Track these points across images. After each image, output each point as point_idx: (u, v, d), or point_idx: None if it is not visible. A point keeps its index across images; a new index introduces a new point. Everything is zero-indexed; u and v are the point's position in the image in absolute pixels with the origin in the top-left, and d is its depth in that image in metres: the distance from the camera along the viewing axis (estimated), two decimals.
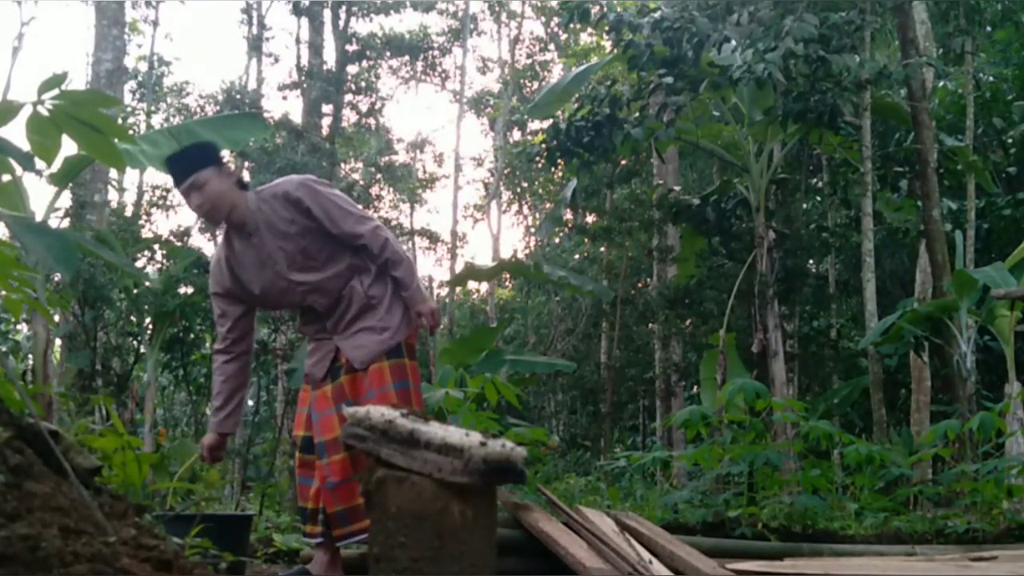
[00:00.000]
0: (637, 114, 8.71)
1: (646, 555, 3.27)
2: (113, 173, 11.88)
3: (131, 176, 15.64)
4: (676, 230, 11.70)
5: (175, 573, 1.62)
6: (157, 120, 17.87)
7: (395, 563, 1.89)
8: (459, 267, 15.91)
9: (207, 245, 14.52)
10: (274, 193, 3.24)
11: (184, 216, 20.91)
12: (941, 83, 11.73)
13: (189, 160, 3.18)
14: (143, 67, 18.14)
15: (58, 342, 8.46)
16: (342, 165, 14.87)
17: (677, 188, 12.02)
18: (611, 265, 14.03)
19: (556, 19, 18.25)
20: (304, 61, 13.01)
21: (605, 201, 13.61)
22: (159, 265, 10.03)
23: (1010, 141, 11.80)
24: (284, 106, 40.15)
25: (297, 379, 8.14)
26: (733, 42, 8.22)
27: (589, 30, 16.37)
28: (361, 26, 13.02)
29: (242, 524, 3.44)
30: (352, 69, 13.45)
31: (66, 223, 8.62)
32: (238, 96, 12.14)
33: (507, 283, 19.47)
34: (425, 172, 21.07)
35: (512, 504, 3.75)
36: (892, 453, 5.89)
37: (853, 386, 9.96)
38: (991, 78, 12.07)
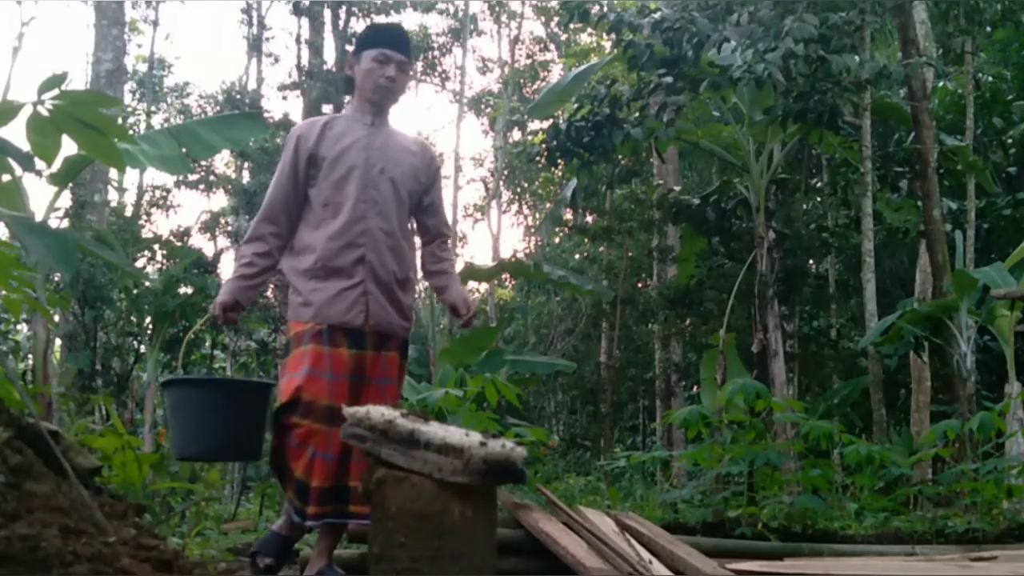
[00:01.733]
0: (637, 114, 8.71)
1: (646, 555, 3.27)
2: (113, 173, 11.88)
3: (131, 176, 15.66)
4: (676, 230, 11.70)
5: (175, 573, 1.62)
6: (157, 120, 17.88)
7: (395, 563, 1.89)
8: (459, 267, 15.90)
9: (207, 245, 14.54)
10: (410, 137, 3.37)
11: (184, 216, 20.97)
12: (941, 83, 11.73)
13: (409, 45, 3.29)
14: (143, 67, 18.15)
15: (58, 342, 8.46)
16: None
17: (677, 188, 12.01)
18: (611, 265, 14.03)
19: (556, 19, 18.25)
20: (304, 61, 13.01)
21: (605, 201, 13.61)
22: (159, 265, 10.04)
23: (1010, 141, 11.80)
24: (284, 106, 40.16)
25: None
26: (733, 42, 8.22)
27: (589, 30, 16.37)
28: (361, 26, 13.01)
29: (261, 392, 3.25)
30: None
31: (66, 223, 8.62)
32: (238, 96, 12.14)
33: (507, 283, 19.47)
34: None
35: (512, 504, 3.75)
36: (892, 453, 5.88)
37: (853, 386, 9.96)
38: (991, 78, 12.07)
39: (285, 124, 11.84)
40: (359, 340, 3.08)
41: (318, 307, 3.08)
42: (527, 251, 19.76)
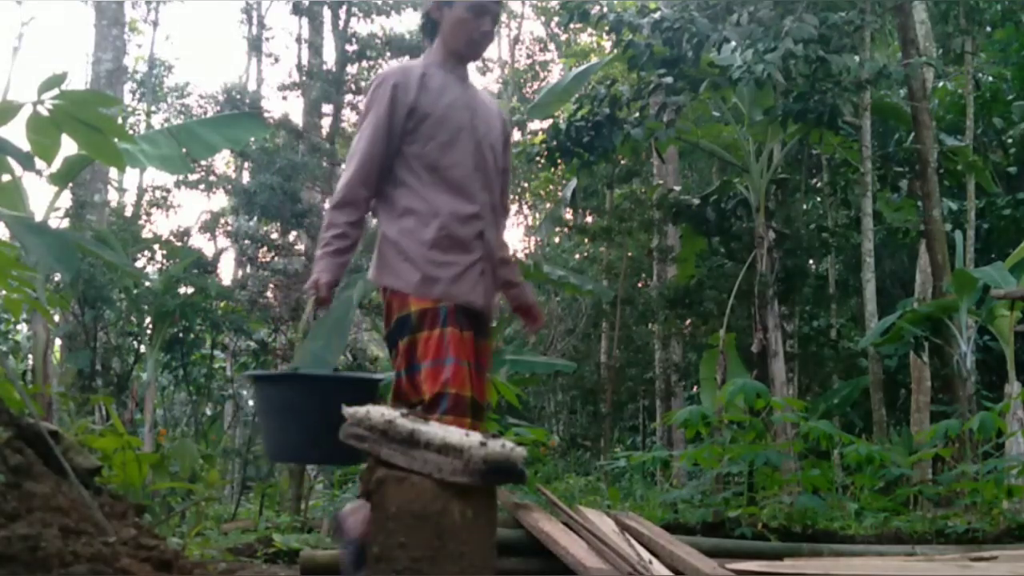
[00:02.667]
0: (637, 114, 8.71)
1: (646, 555, 3.26)
2: (113, 173, 11.90)
3: (131, 176, 15.66)
4: (676, 230, 11.70)
5: (175, 573, 1.62)
6: (157, 120, 17.88)
7: (395, 563, 1.89)
8: None
9: (207, 245, 14.54)
10: (487, 95, 3.07)
11: (184, 216, 20.97)
12: (941, 83, 11.72)
13: None
14: (143, 67, 18.15)
15: (58, 342, 8.46)
16: (342, 165, 14.88)
17: (677, 188, 12.01)
18: (611, 265, 14.02)
19: (556, 19, 18.25)
20: (304, 61, 13.00)
21: (605, 201, 13.61)
22: (159, 265, 10.04)
23: (1010, 141, 11.80)
24: (284, 106, 40.25)
25: None
26: (733, 42, 8.22)
27: (589, 30, 16.38)
28: (361, 26, 13.00)
29: (369, 388, 2.98)
30: (352, 69, 13.43)
31: (66, 223, 8.62)
32: (238, 96, 12.12)
33: None
34: None
35: (512, 504, 3.75)
36: (892, 453, 5.89)
37: (853, 386, 9.96)
38: (991, 78, 12.06)
39: (285, 124, 11.83)
40: (477, 323, 2.80)
41: (447, 284, 2.73)
42: (527, 251, 19.77)
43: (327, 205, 2.95)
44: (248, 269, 11.79)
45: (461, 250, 2.76)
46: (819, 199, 11.83)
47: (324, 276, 2.73)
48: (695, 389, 11.79)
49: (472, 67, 3.17)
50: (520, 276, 3.10)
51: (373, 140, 2.79)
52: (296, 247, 11.72)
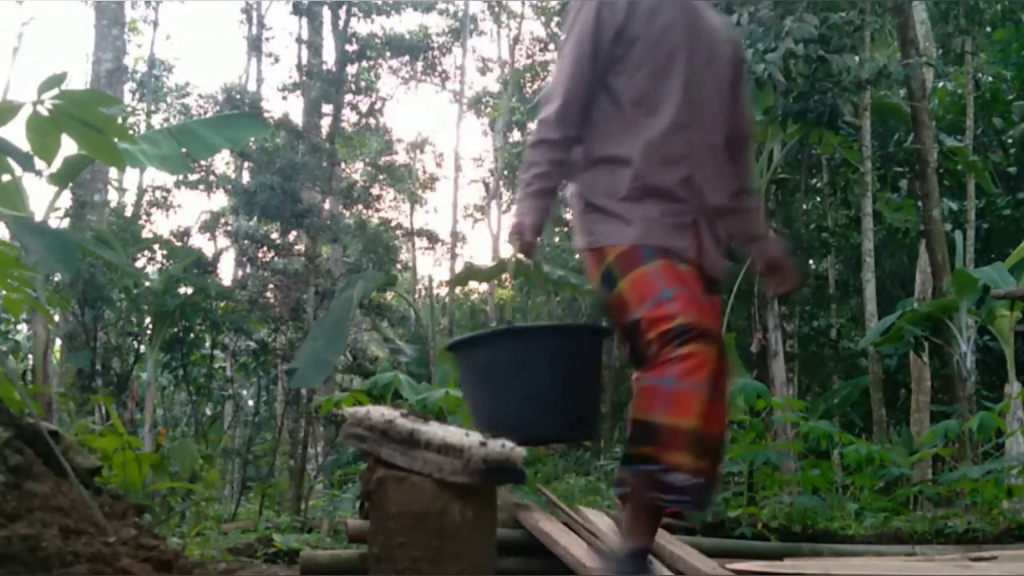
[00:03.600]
0: None
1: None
2: (113, 173, 11.89)
3: (131, 176, 15.65)
4: None
5: (175, 573, 1.62)
6: (157, 120, 17.88)
7: (395, 563, 1.89)
8: (459, 267, 15.91)
9: (207, 245, 14.54)
10: (714, 12, 2.60)
11: (184, 216, 20.97)
12: (941, 83, 11.73)
13: None
14: (143, 67, 18.15)
15: (58, 342, 8.46)
16: (342, 165, 14.90)
17: None
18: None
19: (556, 19, 18.25)
20: (304, 61, 13.01)
21: None
22: (159, 265, 10.04)
23: (1010, 141, 11.80)
24: (284, 106, 40.26)
25: (298, 379, 8.12)
26: None
27: None
28: (361, 26, 13.02)
29: (595, 336, 2.51)
30: (352, 69, 13.44)
31: (66, 223, 8.62)
32: (238, 96, 12.12)
33: (507, 283, 19.48)
34: (425, 172, 21.10)
35: (512, 504, 3.75)
36: (892, 453, 5.89)
37: (853, 386, 9.96)
38: (991, 78, 12.07)
39: (285, 124, 11.83)
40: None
41: (646, 227, 2.32)
42: None
43: (529, 143, 2.50)
44: (248, 269, 11.80)
45: (661, 199, 2.35)
46: (819, 199, 11.83)
47: (528, 218, 2.36)
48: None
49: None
50: (764, 226, 2.64)
51: (575, 71, 2.40)
52: (296, 247, 11.73)
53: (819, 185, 11.36)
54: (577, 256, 17.37)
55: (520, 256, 2.40)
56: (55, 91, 3.81)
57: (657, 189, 2.34)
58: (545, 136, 2.42)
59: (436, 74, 19.01)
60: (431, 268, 44.10)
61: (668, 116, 2.37)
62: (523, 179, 2.44)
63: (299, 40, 13.23)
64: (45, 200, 9.00)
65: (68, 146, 4.13)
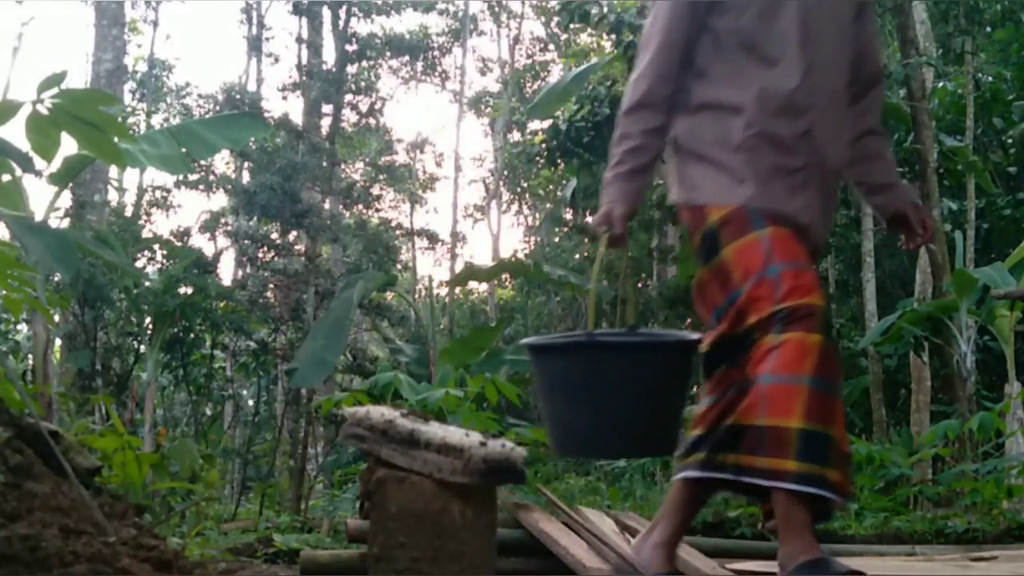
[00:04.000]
0: None
1: None
2: (113, 173, 11.90)
3: (131, 176, 15.66)
4: (676, 230, 11.71)
5: (175, 573, 1.62)
6: (157, 120, 17.89)
7: (395, 563, 1.89)
8: (459, 267, 15.92)
9: (207, 245, 14.53)
10: None
11: (184, 216, 20.99)
12: (941, 83, 11.73)
13: None
14: (143, 67, 18.15)
15: (58, 342, 8.46)
16: (342, 165, 14.91)
17: None
18: (611, 265, 14.03)
19: (556, 19, 18.27)
20: (304, 61, 13.01)
21: None
22: (159, 265, 10.04)
23: (1010, 141, 11.80)
24: (284, 106, 40.27)
25: (298, 379, 8.12)
26: None
27: (589, 30, 16.38)
28: (361, 26, 13.03)
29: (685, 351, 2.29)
30: (352, 69, 13.45)
31: (66, 223, 8.62)
32: (238, 96, 12.13)
33: (507, 283, 19.50)
34: (425, 172, 21.11)
35: (512, 504, 3.75)
36: (892, 453, 5.88)
37: (853, 386, 9.96)
38: (991, 78, 12.07)
39: (285, 124, 11.83)
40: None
41: (758, 187, 2.10)
42: (527, 251, 19.77)
43: (622, 109, 2.21)
44: (248, 269, 11.81)
45: (776, 151, 2.12)
46: None
47: (619, 206, 2.15)
48: (695, 389, 11.79)
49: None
50: (894, 173, 2.40)
51: (673, 17, 2.17)
52: (296, 247, 11.74)
53: None
54: (577, 256, 17.39)
55: (608, 249, 2.18)
56: (55, 90, 3.80)
57: (774, 139, 2.12)
58: (638, 99, 2.18)
59: (436, 74, 19.02)
60: (431, 268, 44.12)
61: (783, 61, 2.13)
62: (613, 155, 2.20)
63: (299, 40, 13.23)
64: (45, 200, 9.01)
65: (68, 146, 4.14)
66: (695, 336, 2.27)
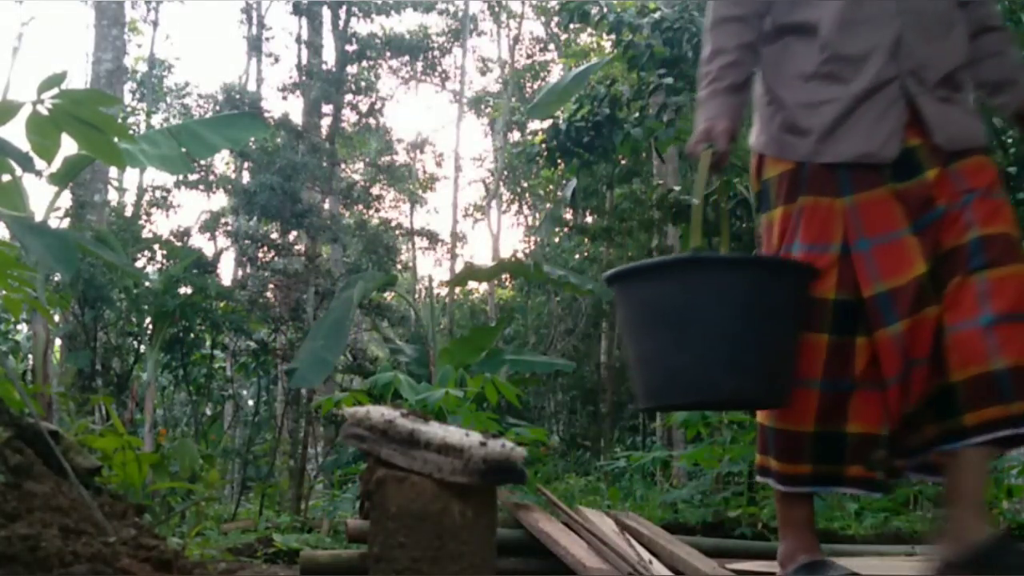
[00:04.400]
0: (637, 114, 8.72)
1: (646, 555, 3.26)
2: (113, 173, 11.90)
3: (131, 176, 15.67)
4: (676, 230, 11.71)
5: (175, 573, 1.62)
6: (157, 120, 17.89)
7: (395, 563, 1.89)
8: (459, 267, 15.93)
9: (207, 245, 14.55)
10: None
11: (184, 216, 21.01)
12: None
13: None
14: (143, 67, 18.16)
15: (58, 342, 8.46)
16: (342, 165, 14.91)
17: (677, 188, 12.02)
18: (611, 265, 14.04)
19: (556, 19, 18.27)
20: (304, 61, 13.02)
21: (605, 201, 13.63)
22: (159, 265, 10.04)
23: (1010, 141, 11.79)
24: (284, 106, 40.31)
25: (298, 379, 8.12)
26: None
27: (589, 30, 16.40)
28: (361, 26, 13.04)
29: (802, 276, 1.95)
30: (352, 69, 13.45)
31: (66, 223, 8.63)
32: (238, 96, 12.14)
33: (507, 283, 19.50)
34: (425, 172, 21.13)
35: (512, 504, 3.75)
36: None
37: None
38: None
39: (285, 124, 11.84)
40: (904, 170, 1.91)
41: (817, 137, 1.93)
42: (527, 251, 19.78)
43: (707, 24, 2.07)
44: (248, 269, 11.81)
45: (859, 73, 1.90)
46: None
47: (720, 122, 2.01)
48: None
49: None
50: (1015, 70, 2.08)
51: None
52: (296, 247, 11.75)
53: None
54: (577, 256, 17.41)
55: (709, 170, 2.02)
56: (55, 90, 3.80)
57: (853, 59, 1.90)
58: (729, 11, 2.01)
59: (436, 74, 19.03)
60: (431, 268, 44.12)
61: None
62: (707, 72, 2.05)
63: (299, 40, 13.25)
64: (45, 200, 9.00)
65: (68, 146, 4.13)
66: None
